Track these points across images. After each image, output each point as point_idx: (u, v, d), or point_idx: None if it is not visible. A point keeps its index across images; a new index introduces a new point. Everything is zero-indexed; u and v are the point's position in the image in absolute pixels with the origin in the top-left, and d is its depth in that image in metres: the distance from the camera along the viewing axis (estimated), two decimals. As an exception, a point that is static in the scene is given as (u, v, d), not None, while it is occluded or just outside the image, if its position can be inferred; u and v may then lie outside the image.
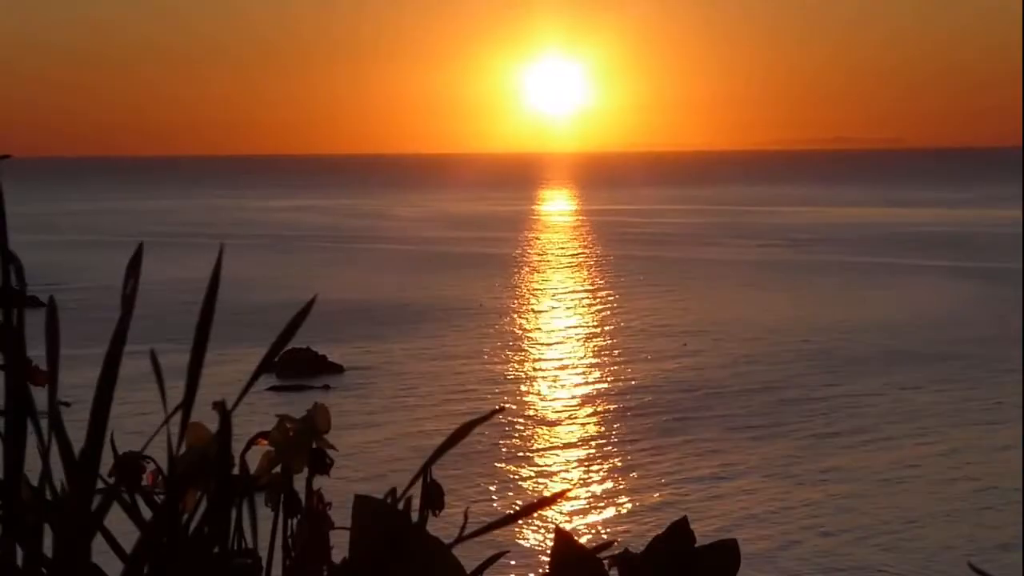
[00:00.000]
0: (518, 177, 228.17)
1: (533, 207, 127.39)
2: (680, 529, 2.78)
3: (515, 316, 46.75)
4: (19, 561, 1.88)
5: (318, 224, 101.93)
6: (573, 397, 32.76)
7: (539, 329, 44.02)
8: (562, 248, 79.24)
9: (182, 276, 41.65)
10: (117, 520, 1.99)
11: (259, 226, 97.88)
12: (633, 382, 34.50)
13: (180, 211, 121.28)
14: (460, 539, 2.08)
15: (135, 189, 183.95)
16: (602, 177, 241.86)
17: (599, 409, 31.39)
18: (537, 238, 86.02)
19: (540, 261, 69.59)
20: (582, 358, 38.56)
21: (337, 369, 35.39)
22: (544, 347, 40.30)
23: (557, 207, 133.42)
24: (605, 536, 21.11)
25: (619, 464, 26.36)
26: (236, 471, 2.06)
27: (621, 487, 24.68)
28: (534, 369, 36.34)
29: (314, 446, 2.27)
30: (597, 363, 37.74)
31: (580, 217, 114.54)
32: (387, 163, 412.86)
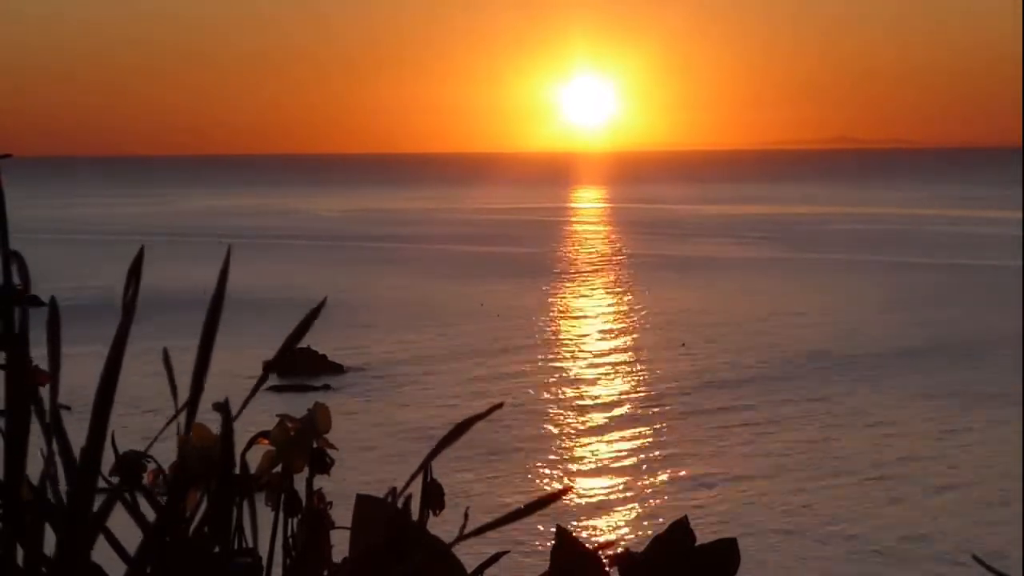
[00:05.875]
0: (535, 176, 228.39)
1: (537, 206, 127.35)
2: (680, 528, 2.78)
3: (515, 315, 46.76)
4: (20, 561, 1.88)
5: (326, 224, 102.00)
6: (573, 395, 32.77)
7: (539, 328, 44.03)
8: (564, 247, 79.28)
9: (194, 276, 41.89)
10: (118, 520, 1.99)
11: (278, 226, 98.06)
12: (633, 381, 34.51)
13: (225, 210, 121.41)
14: (460, 538, 2.09)
15: (156, 188, 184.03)
16: (608, 175, 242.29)
17: (599, 408, 31.39)
18: (539, 237, 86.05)
19: (540, 260, 69.60)
20: (583, 357, 38.57)
21: (338, 369, 35.35)
22: (544, 346, 40.30)
23: (562, 205, 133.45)
24: (606, 535, 21.12)
25: (619, 462, 26.36)
26: (237, 471, 2.06)
27: (621, 485, 24.69)
28: (534, 368, 36.33)
29: (315, 446, 2.27)
30: (597, 361, 37.75)
31: (582, 215, 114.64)
32: (432, 160, 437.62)
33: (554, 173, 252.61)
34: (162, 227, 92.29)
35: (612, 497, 24.25)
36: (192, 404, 1.92)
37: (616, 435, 28.94)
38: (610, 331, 43.82)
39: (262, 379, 1.94)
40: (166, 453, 2.16)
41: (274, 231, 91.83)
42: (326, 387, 33.33)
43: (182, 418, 1.97)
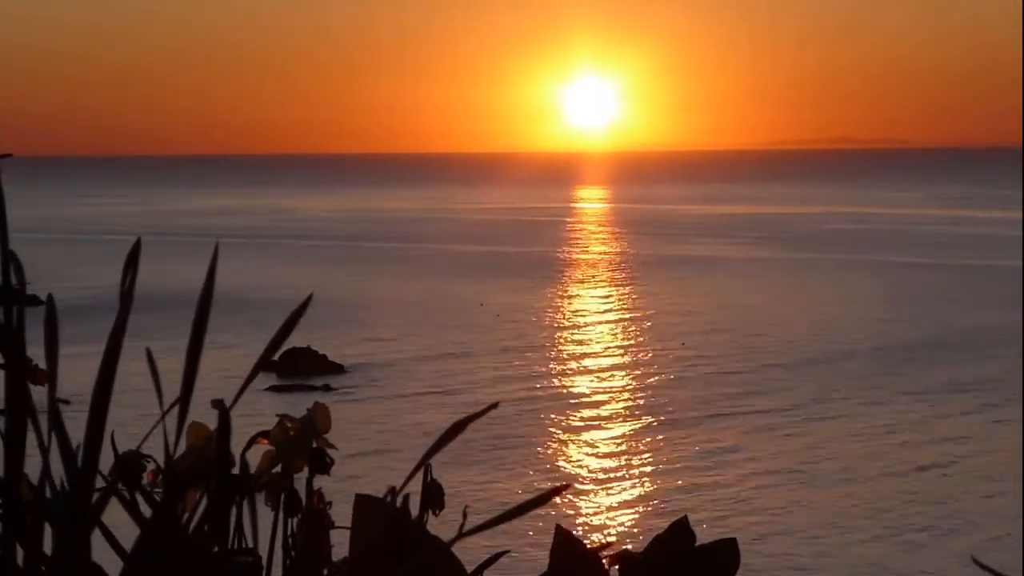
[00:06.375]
0: (537, 177, 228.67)
1: (539, 206, 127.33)
2: (680, 528, 2.77)
3: (514, 315, 46.76)
4: (19, 560, 1.88)
5: (327, 224, 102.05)
6: (572, 395, 32.77)
7: (538, 327, 44.03)
8: (565, 247, 79.27)
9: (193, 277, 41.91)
10: (118, 519, 1.99)
11: (279, 226, 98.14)
12: (632, 381, 34.52)
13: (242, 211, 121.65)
14: (459, 537, 2.08)
15: (168, 188, 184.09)
16: (610, 176, 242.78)
17: (598, 407, 31.40)
18: (539, 237, 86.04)
19: (541, 260, 69.60)
20: (581, 356, 38.56)
21: (337, 368, 35.36)
22: (543, 345, 40.31)
23: (564, 205, 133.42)
24: (605, 534, 21.11)
25: (619, 461, 26.36)
26: (236, 470, 2.06)
27: (621, 485, 24.68)
28: (533, 367, 36.33)
29: (314, 445, 2.27)
30: (596, 361, 37.75)
31: (584, 215, 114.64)
32: (434, 160, 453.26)
33: (557, 173, 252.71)
34: (162, 227, 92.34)
35: (612, 493, 24.25)
36: (183, 403, 1.91)
37: (615, 434, 28.94)
38: (610, 330, 43.83)
39: (251, 376, 1.94)
40: (162, 452, 2.16)
41: (275, 231, 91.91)
42: (326, 387, 33.36)
43: (171, 419, 1.96)
